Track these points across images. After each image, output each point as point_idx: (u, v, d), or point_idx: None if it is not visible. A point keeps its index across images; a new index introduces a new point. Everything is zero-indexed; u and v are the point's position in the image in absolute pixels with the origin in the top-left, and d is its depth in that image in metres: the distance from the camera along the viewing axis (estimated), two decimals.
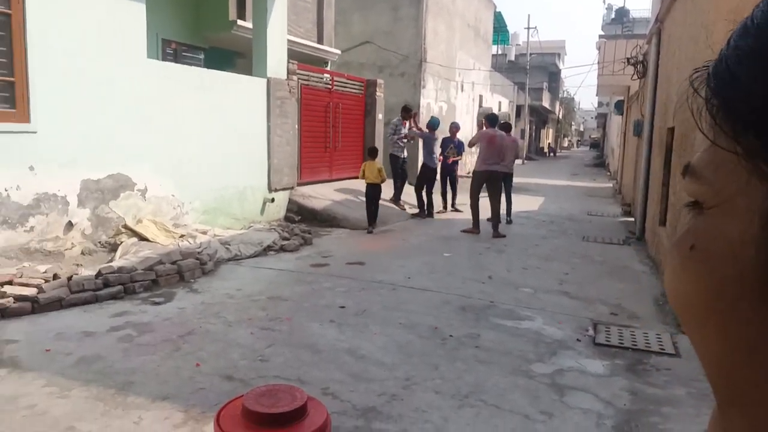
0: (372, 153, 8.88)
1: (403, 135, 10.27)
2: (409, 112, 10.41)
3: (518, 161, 27.06)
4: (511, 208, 9.98)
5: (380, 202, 8.81)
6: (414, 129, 10.49)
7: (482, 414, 3.08)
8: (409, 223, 9.61)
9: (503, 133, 9.06)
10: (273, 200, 8.57)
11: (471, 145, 9.47)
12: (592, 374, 3.68)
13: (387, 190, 10.66)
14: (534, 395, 3.33)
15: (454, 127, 10.92)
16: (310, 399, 1.77)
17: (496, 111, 22.09)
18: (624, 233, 9.21)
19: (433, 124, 10.39)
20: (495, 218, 8.64)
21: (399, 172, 10.26)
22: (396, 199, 10.29)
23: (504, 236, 8.46)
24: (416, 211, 10.18)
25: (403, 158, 10.29)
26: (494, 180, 8.66)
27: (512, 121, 27.37)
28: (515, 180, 10.80)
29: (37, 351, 3.64)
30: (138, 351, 3.71)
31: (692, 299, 0.34)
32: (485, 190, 8.59)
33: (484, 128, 9.06)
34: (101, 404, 2.98)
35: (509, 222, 9.80)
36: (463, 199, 10.34)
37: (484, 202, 8.68)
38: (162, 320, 4.31)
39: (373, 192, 8.52)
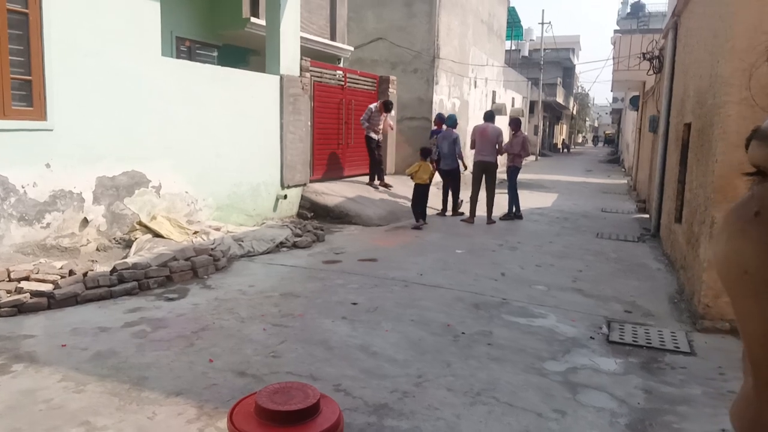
0: (424, 153, 9.06)
1: (380, 124, 10.29)
2: (389, 108, 10.38)
3: (531, 157, 26.92)
4: (515, 203, 9.82)
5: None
6: (389, 124, 10.58)
7: (495, 412, 3.07)
8: None
9: (496, 126, 9.52)
10: (286, 197, 8.60)
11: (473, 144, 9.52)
12: (605, 372, 3.65)
13: (402, 187, 10.65)
14: (547, 393, 3.31)
15: (439, 119, 10.79)
16: (322, 396, 1.77)
17: (509, 107, 21.94)
18: (639, 230, 9.12)
19: (452, 121, 10.02)
20: (489, 206, 9.33)
21: (374, 154, 10.33)
22: (371, 180, 10.51)
23: (494, 222, 9.28)
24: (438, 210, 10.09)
25: (377, 140, 10.30)
26: (489, 170, 9.32)
27: (526, 117, 27.27)
28: (524, 176, 10.82)
29: (53, 346, 3.68)
30: (152, 346, 3.74)
31: (751, 267, 0.32)
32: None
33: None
34: (116, 399, 3.01)
35: (518, 217, 9.75)
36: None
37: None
38: (176, 316, 4.35)
39: (424, 190, 8.83)
